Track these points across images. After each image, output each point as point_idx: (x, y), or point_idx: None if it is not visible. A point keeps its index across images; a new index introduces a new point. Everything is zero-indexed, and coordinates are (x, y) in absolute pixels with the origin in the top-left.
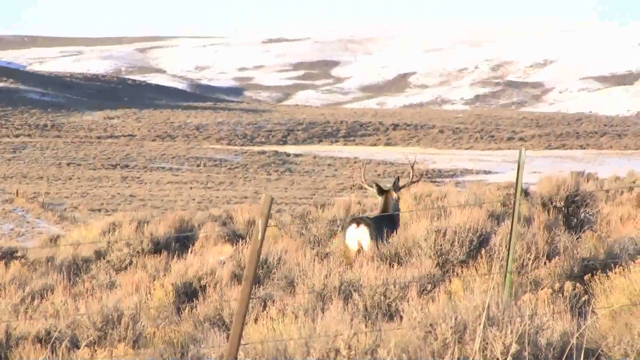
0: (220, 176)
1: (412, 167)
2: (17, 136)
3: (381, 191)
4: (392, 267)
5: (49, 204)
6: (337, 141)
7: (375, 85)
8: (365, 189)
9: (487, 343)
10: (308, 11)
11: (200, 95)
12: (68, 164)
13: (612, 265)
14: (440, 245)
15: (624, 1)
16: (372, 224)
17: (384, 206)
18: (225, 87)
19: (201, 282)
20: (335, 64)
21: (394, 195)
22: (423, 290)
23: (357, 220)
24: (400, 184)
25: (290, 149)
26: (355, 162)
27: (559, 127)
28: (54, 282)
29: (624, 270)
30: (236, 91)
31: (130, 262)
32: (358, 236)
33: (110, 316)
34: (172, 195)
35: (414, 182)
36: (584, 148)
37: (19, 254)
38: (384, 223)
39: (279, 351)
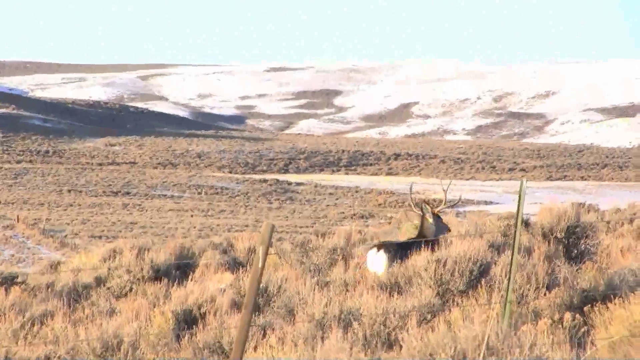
0: (221, 204)
1: (445, 192)
2: (18, 162)
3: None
4: (392, 296)
5: (50, 230)
6: (338, 170)
7: (377, 114)
8: (411, 211)
9: None
10: (311, 40)
11: (202, 123)
12: (69, 191)
13: (612, 296)
14: (441, 275)
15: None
16: (392, 251)
17: (420, 230)
18: (227, 115)
19: (201, 309)
20: (337, 93)
21: (429, 220)
22: (423, 319)
23: (379, 246)
24: (437, 208)
25: (291, 177)
26: (356, 192)
27: (561, 159)
28: (54, 308)
29: (623, 301)
30: (238, 119)
31: (131, 289)
32: (376, 260)
33: (110, 343)
34: (173, 222)
35: (448, 206)
36: (585, 179)
37: (19, 279)
38: (412, 249)
39: None
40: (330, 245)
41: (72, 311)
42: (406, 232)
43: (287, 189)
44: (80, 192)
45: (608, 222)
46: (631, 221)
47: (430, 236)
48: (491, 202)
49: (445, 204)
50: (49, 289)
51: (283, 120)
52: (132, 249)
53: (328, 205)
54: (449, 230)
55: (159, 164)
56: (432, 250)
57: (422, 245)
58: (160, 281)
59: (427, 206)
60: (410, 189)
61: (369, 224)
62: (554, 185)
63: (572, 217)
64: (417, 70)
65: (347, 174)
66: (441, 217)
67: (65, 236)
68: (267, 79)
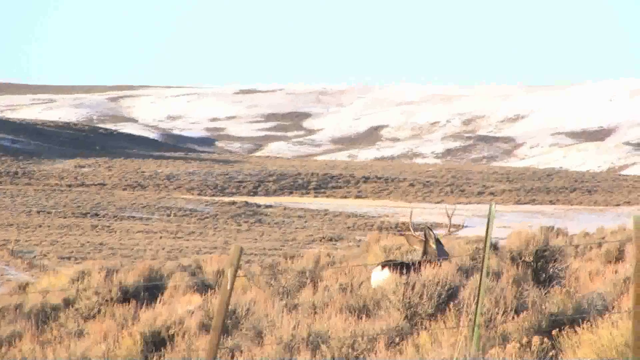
0: (190, 226)
1: (450, 217)
2: None
3: (423, 241)
4: (361, 319)
5: (19, 251)
6: (307, 193)
7: (347, 137)
8: (412, 236)
9: None
10: (281, 63)
11: (171, 145)
12: (38, 212)
13: (580, 320)
14: (409, 298)
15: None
16: (395, 270)
17: (422, 254)
18: (197, 137)
19: (169, 331)
20: (307, 115)
21: (433, 246)
22: (391, 342)
23: (384, 264)
24: (443, 232)
25: (260, 200)
26: (325, 214)
27: (530, 182)
28: (22, 330)
29: (592, 325)
30: (208, 141)
31: (99, 311)
32: (380, 278)
33: None
34: (142, 244)
35: (451, 231)
36: (554, 203)
37: None
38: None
39: None
40: (299, 268)
41: (41, 332)
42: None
43: (256, 212)
44: (50, 213)
45: (577, 246)
46: (600, 245)
47: (432, 260)
48: (460, 226)
49: (449, 229)
50: (17, 310)
51: (252, 142)
52: (101, 270)
53: (297, 228)
54: (448, 256)
55: (128, 185)
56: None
57: (425, 265)
58: (129, 303)
59: (431, 232)
60: (410, 215)
61: (337, 247)
62: (523, 209)
63: (540, 241)
64: (387, 93)
65: (316, 196)
66: (442, 242)
67: (34, 257)
68: (236, 101)
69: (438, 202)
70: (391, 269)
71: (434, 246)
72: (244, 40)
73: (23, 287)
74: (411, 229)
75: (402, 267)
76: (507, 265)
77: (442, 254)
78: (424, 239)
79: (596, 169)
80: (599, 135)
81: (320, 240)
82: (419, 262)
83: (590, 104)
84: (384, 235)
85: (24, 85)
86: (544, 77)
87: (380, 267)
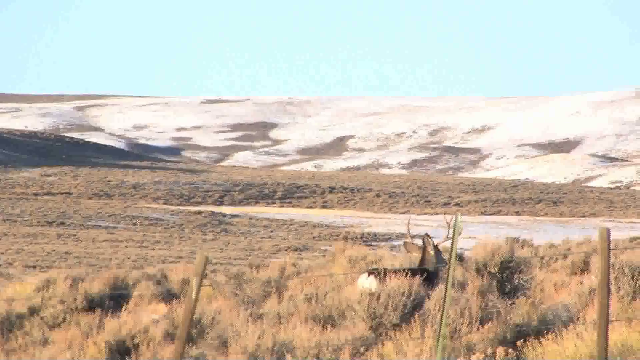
0: (156, 235)
1: (449, 225)
2: None
3: (421, 247)
4: (326, 328)
5: None
6: (273, 203)
7: (313, 147)
8: (410, 243)
9: None
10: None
11: (138, 154)
12: (4, 220)
13: (545, 331)
14: (374, 309)
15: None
16: (383, 277)
17: (420, 262)
18: (163, 147)
19: (134, 340)
20: (273, 125)
21: (431, 253)
22: (356, 352)
23: (370, 271)
24: (436, 241)
25: (226, 209)
26: (291, 224)
27: (495, 193)
28: None
29: (556, 337)
30: (174, 151)
31: (64, 319)
32: (366, 285)
33: None
34: (108, 253)
35: (449, 238)
36: (520, 214)
37: None
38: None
39: None
40: (265, 278)
41: (6, 341)
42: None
43: (221, 221)
44: (15, 221)
45: (542, 258)
46: (565, 257)
47: (431, 268)
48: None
49: (448, 237)
50: None
51: (219, 152)
52: (66, 279)
53: (262, 238)
54: (446, 264)
55: (94, 194)
56: (428, 280)
57: (418, 274)
58: (94, 311)
59: (430, 239)
60: (408, 222)
61: (303, 257)
62: (489, 220)
63: (506, 252)
64: (353, 103)
65: (282, 206)
66: (441, 250)
67: (0, 265)
68: (203, 110)
69: (404, 213)
70: (377, 276)
71: (432, 253)
72: (211, 50)
73: None
74: (409, 237)
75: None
76: (473, 276)
77: (440, 261)
78: (422, 246)
79: (562, 181)
80: (565, 147)
81: (286, 250)
82: (411, 270)
83: (556, 116)
84: (349, 246)
85: None
86: (510, 89)
87: (366, 274)
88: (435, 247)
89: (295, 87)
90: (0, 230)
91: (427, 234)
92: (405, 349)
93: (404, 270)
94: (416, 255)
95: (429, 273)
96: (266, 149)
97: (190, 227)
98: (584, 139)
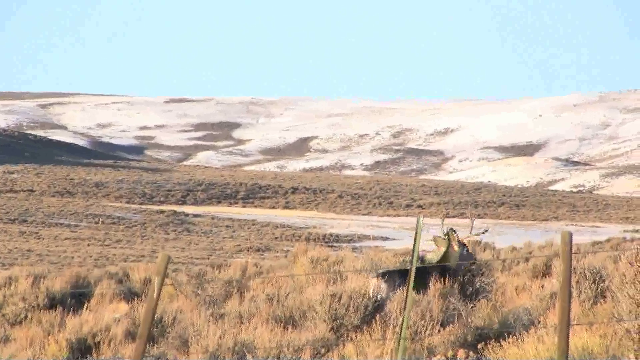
0: (118, 234)
1: (472, 220)
2: None
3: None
4: (287, 329)
5: None
6: (236, 203)
7: (276, 148)
8: (440, 237)
9: None
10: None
11: (101, 152)
12: None
13: (506, 335)
14: (335, 310)
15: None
16: (391, 280)
17: (442, 257)
18: (126, 146)
19: (95, 338)
20: (236, 125)
21: (456, 249)
22: (317, 353)
23: (380, 274)
24: (461, 236)
25: (189, 209)
26: (253, 224)
27: (458, 196)
28: None
29: (517, 340)
30: (137, 150)
31: (26, 317)
32: (375, 288)
33: None
34: (70, 251)
35: (476, 234)
36: (482, 217)
37: None
38: (421, 277)
39: None
40: (226, 278)
41: None
42: (433, 257)
43: (184, 221)
44: None
45: (504, 261)
46: (527, 260)
47: (453, 264)
48: (387, 238)
49: (471, 232)
50: None
51: (182, 151)
52: (28, 276)
53: (224, 238)
54: (475, 260)
55: (56, 192)
56: (444, 279)
57: (433, 275)
58: (56, 309)
59: (455, 234)
60: (443, 218)
61: (265, 257)
62: (451, 223)
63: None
64: (317, 105)
65: (244, 206)
66: (467, 246)
67: None
68: (166, 110)
69: (366, 214)
70: (385, 278)
71: (457, 248)
72: (175, 50)
73: None
74: (443, 230)
75: (399, 275)
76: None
77: (465, 259)
78: (448, 240)
79: (525, 184)
80: (528, 150)
81: (248, 251)
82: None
83: (520, 119)
84: (311, 246)
85: None
86: (474, 92)
87: (377, 277)
88: (461, 243)
89: (259, 87)
90: None
91: (452, 229)
92: (366, 351)
93: (420, 269)
94: (443, 249)
95: (448, 270)
96: (229, 149)
97: (153, 226)
98: (547, 142)
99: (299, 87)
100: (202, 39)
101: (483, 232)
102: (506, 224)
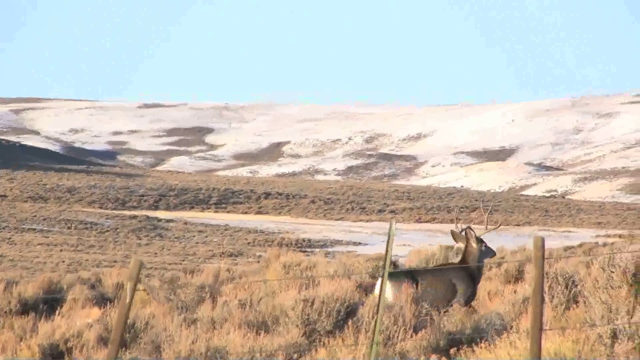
0: (90, 239)
1: (486, 214)
2: None
3: (463, 239)
4: (259, 334)
5: None
6: (208, 208)
7: (249, 153)
8: (458, 233)
9: None
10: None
11: (74, 158)
12: None
13: (479, 340)
14: (308, 315)
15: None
16: (399, 281)
17: (463, 255)
18: (99, 151)
19: (68, 344)
20: (209, 130)
21: (474, 245)
22: (289, 359)
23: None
24: (477, 233)
25: (161, 214)
26: (226, 230)
27: (430, 201)
28: None
29: (490, 345)
30: (110, 155)
31: None
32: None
33: None
34: (42, 256)
35: (488, 230)
36: (455, 222)
37: None
38: (427, 280)
39: None
40: (199, 283)
41: None
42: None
43: (156, 226)
44: None
45: None
46: (499, 265)
47: (472, 262)
48: (360, 243)
49: (487, 228)
50: None
51: (154, 156)
52: (0, 282)
53: (197, 243)
54: (494, 254)
55: (29, 197)
56: (471, 277)
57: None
58: (28, 315)
59: (472, 231)
60: (456, 213)
61: (238, 262)
62: (423, 228)
63: (440, 260)
64: (289, 110)
65: (217, 211)
66: (484, 241)
67: None
68: (139, 115)
69: (338, 220)
70: (393, 279)
71: (475, 245)
72: (148, 55)
73: None
74: (457, 227)
75: (410, 276)
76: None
77: (485, 254)
78: (466, 238)
79: (497, 189)
80: (501, 155)
81: (221, 256)
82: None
83: (492, 124)
84: (284, 252)
85: None
86: (447, 97)
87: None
88: (478, 239)
89: (232, 93)
90: None
91: (469, 227)
92: (339, 356)
93: (436, 269)
94: (462, 245)
95: (470, 269)
96: (202, 154)
97: (125, 231)
98: (519, 147)
99: (272, 93)
100: (175, 44)
101: (498, 227)
102: (479, 229)
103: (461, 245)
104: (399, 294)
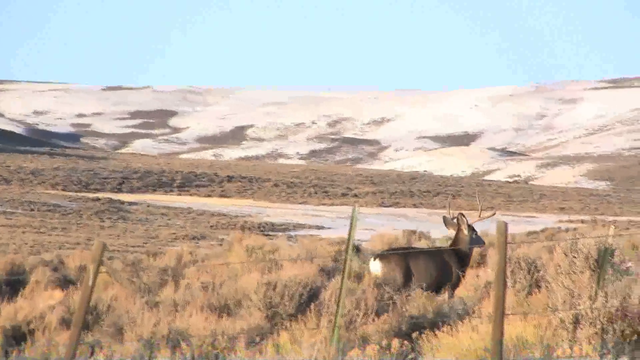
0: (53, 221)
1: (480, 203)
2: None
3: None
4: (222, 317)
5: None
6: (171, 191)
7: (212, 136)
8: (449, 219)
9: None
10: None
11: (37, 140)
12: None
13: (441, 324)
14: (270, 298)
15: (461, 68)
16: (389, 261)
17: (452, 242)
18: (62, 133)
19: (30, 326)
20: (173, 113)
21: (465, 232)
22: (251, 342)
23: (378, 255)
24: (470, 220)
25: (125, 197)
26: (189, 213)
27: (393, 185)
28: None
29: (452, 329)
30: (73, 137)
31: None
32: (374, 268)
33: None
34: (5, 238)
35: (482, 218)
36: (417, 207)
37: None
38: (419, 260)
39: None
40: (161, 266)
41: None
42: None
43: (119, 208)
44: None
45: None
46: None
47: (463, 247)
48: (323, 227)
49: (480, 216)
50: None
51: (118, 139)
52: None
53: (160, 226)
54: (484, 244)
55: None
56: (461, 261)
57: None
58: None
59: (464, 218)
60: (449, 200)
61: (200, 246)
62: (386, 212)
63: (403, 244)
64: (253, 93)
65: (180, 194)
66: (476, 230)
67: None
68: (103, 97)
69: (302, 203)
70: (384, 259)
71: (466, 232)
72: (112, 38)
73: None
74: (449, 213)
75: (403, 255)
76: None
77: (475, 241)
78: (457, 225)
79: (460, 174)
80: (464, 140)
81: (183, 239)
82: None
83: (456, 109)
84: (247, 235)
85: None
86: (411, 82)
87: (374, 258)
88: (470, 227)
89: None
90: None
91: (461, 213)
92: (301, 339)
93: (429, 251)
94: (453, 231)
95: (460, 253)
96: (165, 137)
97: (88, 213)
98: (482, 132)
99: (236, 76)
100: (140, 27)
101: (492, 215)
102: (442, 213)
103: (452, 231)
104: (390, 272)
